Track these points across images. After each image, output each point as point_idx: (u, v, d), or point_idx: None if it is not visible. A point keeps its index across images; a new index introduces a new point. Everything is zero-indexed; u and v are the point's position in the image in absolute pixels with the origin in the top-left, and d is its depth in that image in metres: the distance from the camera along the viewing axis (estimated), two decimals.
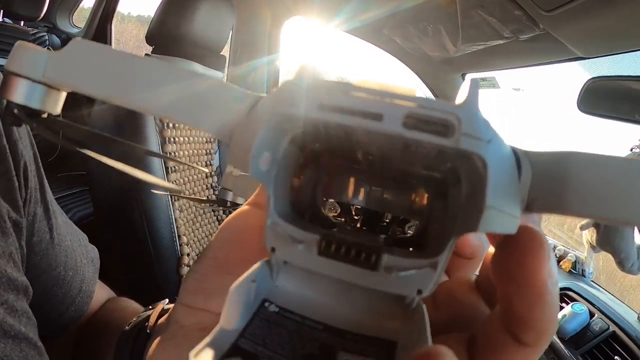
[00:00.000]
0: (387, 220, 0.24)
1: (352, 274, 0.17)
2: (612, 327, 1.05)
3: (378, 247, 0.17)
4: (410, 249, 0.20)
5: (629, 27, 0.95)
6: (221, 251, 0.24)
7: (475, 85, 0.16)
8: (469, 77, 1.68)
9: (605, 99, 1.12)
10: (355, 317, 0.18)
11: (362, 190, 0.22)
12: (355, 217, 0.24)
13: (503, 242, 0.17)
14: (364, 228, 0.24)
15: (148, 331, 0.42)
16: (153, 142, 1.30)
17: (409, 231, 0.23)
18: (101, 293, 0.58)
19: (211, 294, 0.24)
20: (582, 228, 1.35)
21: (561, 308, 1.14)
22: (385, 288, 0.17)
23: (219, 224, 1.58)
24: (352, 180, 0.23)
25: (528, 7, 1.05)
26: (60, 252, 0.47)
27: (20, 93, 0.21)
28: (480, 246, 0.22)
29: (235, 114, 0.19)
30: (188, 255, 1.35)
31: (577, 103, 1.12)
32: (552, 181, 0.16)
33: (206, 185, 1.56)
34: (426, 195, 0.21)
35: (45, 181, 0.46)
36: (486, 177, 0.15)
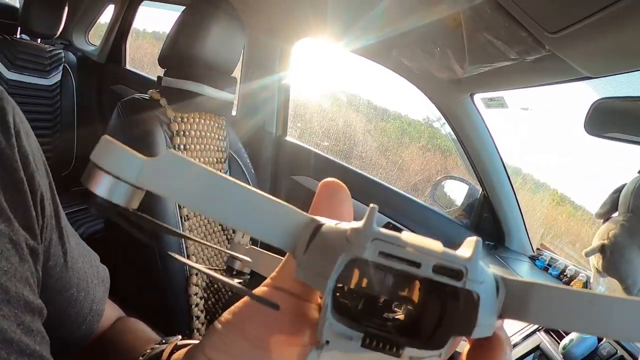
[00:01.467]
0: (381, 302, 0.29)
1: (382, 358, 0.24)
2: (620, 352, 1.04)
3: (401, 342, 0.24)
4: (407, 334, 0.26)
5: (636, 46, 0.95)
6: (251, 326, 0.27)
7: (479, 244, 0.23)
8: (477, 98, 1.68)
9: (613, 120, 1.12)
10: None
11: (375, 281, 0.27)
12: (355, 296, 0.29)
13: (476, 342, 0.25)
14: (366, 307, 0.29)
15: None
16: None
17: (398, 312, 0.29)
18: (111, 311, 0.60)
19: (235, 357, 0.27)
20: (587, 254, 1.33)
21: (568, 333, 1.13)
22: None
23: (229, 243, 1.59)
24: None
25: (533, 29, 1.05)
26: (73, 275, 0.49)
27: (107, 189, 0.23)
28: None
29: (298, 236, 0.25)
30: (197, 275, 1.36)
31: (584, 125, 1.12)
32: (518, 300, 0.24)
33: (220, 226, 1.58)
34: (419, 291, 0.26)
35: (60, 208, 0.48)
36: (478, 306, 0.22)
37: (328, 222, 0.26)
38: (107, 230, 1.48)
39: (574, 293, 0.23)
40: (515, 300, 0.24)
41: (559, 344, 1.12)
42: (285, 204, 0.25)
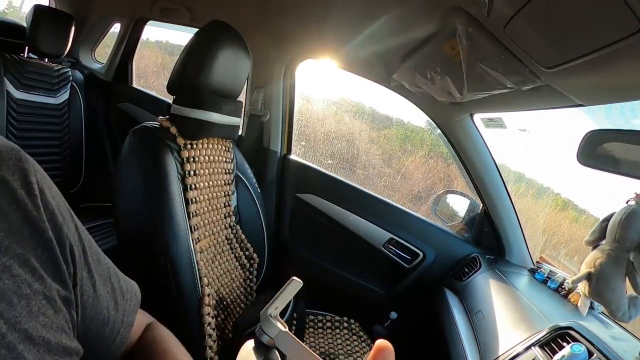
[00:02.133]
0: None
1: None
2: None
3: None
4: None
5: (628, 82, 0.98)
6: None
7: None
8: (477, 118, 1.73)
9: (604, 152, 1.15)
10: None
11: None
12: None
13: None
14: None
15: None
16: (175, 190, 1.36)
17: None
18: (141, 318, 0.69)
19: None
20: (574, 283, 1.39)
21: (562, 348, 1.15)
22: None
23: (237, 261, 1.64)
24: None
25: (529, 63, 1.10)
26: (103, 300, 0.56)
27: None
28: None
29: None
30: (209, 295, 1.40)
31: (577, 155, 1.15)
32: None
33: (224, 225, 1.63)
34: None
35: (87, 242, 0.54)
36: None
37: None
38: (121, 249, 1.50)
39: None
40: None
41: (552, 358, 1.15)
42: None
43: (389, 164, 4.17)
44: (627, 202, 1.28)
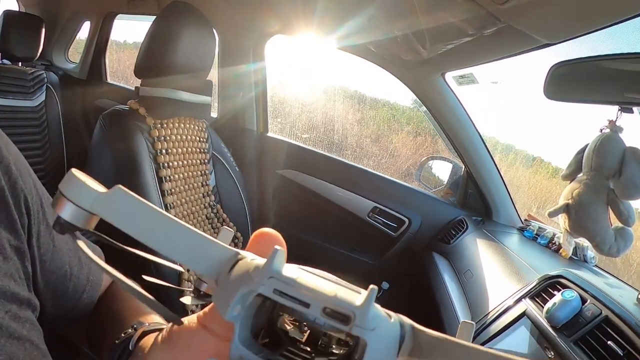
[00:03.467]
0: (329, 336, 0.32)
1: None
2: (605, 312, 1.01)
3: None
4: None
5: (584, 8, 0.96)
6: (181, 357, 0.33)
7: (372, 293, 0.24)
8: (449, 77, 1.71)
9: (572, 84, 1.13)
10: None
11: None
12: (305, 328, 0.33)
13: None
14: (310, 339, 0.32)
15: (130, 348, 0.48)
16: (147, 169, 1.35)
17: (344, 347, 0.31)
18: (109, 279, 0.67)
19: None
20: (550, 215, 1.31)
21: (552, 296, 1.12)
22: None
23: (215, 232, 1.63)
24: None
25: (484, 3, 1.08)
26: (64, 254, 0.54)
27: (68, 214, 0.28)
28: None
29: (221, 267, 0.28)
30: (188, 271, 1.39)
31: (544, 91, 1.13)
32: (426, 354, 0.25)
33: (204, 205, 1.62)
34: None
35: (45, 200, 0.53)
36: (364, 352, 0.23)
37: (249, 257, 0.28)
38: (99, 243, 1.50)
39: (481, 353, 0.24)
40: (422, 353, 0.25)
41: (543, 308, 1.12)
42: (216, 240, 0.29)
43: (377, 144, 4.17)
44: (600, 131, 1.23)
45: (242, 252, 0.28)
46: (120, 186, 0.28)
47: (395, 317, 0.26)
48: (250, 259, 0.28)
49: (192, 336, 0.33)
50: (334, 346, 0.31)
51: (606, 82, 1.11)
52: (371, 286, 0.24)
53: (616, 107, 1.14)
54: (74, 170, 0.28)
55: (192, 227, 0.28)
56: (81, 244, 0.31)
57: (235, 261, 0.28)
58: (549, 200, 3.51)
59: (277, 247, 0.25)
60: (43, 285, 0.51)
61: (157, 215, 0.28)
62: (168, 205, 1.42)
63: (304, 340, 0.32)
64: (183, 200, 1.52)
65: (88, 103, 2.77)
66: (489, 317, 1.23)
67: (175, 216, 1.33)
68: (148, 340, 0.46)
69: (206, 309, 0.34)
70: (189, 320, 0.34)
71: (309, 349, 0.31)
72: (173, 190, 1.46)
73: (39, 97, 2.55)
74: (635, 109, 1.12)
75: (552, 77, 1.12)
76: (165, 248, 0.28)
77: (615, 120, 1.16)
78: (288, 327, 0.32)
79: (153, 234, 0.28)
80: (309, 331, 0.32)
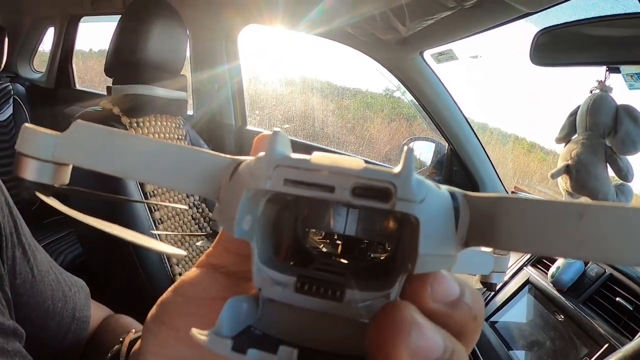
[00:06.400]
0: (366, 243, 0.27)
1: (323, 305, 0.20)
2: (609, 270, 1.04)
3: (342, 283, 0.20)
4: (376, 276, 0.23)
5: None
6: (181, 321, 0.25)
7: (410, 153, 0.18)
8: (427, 55, 1.69)
9: (558, 48, 1.13)
10: (328, 339, 0.21)
11: (338, 219, 0.25)
12: (337, 242, 0.27)
13: (378, 313, 0.18)
14: (345, 251, 0.27)
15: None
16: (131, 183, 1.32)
17: (384, 253, 0.27)
18: (98, 313, 0.59)
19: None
20: (553, 176, 1.33)
21: (553, 261, 1.13)
22: (349, 315, 0.20)
23: (208, 240, 1.59)
24: (329, 210, 0.25)
25: None
26: (45, 288, 0.48)
27: (32, 172, 0.24)
28: (449, 295, 0.19)
29: (219, 178, 0.22)
30: (180, 274, 1.35)
31: (530, 57, 1.13)
32: (487, 221, 0.19)
33: (188, 205, 1.58)
34: (394, 222, 0.24)
35: (21, 223, 0.48)
36: (419, 231, 0.17)
37: (249, 159, 0.22)
38: (86, 253, 1.46)
39: (560, 205, 0.17)
40: (483, 222, 0.19)
41: (547, 274, 1.13)
42: (203, 150, 0.23)
43: (352, 132, 4.17)
44: (591, 92, 1.25)
45: (242, 157, 0.23)
46: (79, 120, 0.24)
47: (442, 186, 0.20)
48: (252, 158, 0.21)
49: (198, 283, 0.26)
50: (371, 255, 0.27)
51: (591, 44, 1.12)
52: (406, 147, 0.19)
53: (604, 68, 1.16)
54: (27, 124, 0.24)
55: (173, 143, 0.23)
56: (54, 201, 0.25)
57: (235, 167, 0.22)
58: (527, 174, 3.55)
59: (275, 129, 0.20)
60: (22, 318, 0.44)
61: (130, 138, 0.23)
62: (152, 207, 1.38)
63: (338, 252, 0.27)
64: (170, 214, 1.47)
65: (59, 112, 2.65)
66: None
67: (160, 219, 1.30)
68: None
69: (210, 248, 0.27)
70: (191, 271, 0.27)
71: (345, 261, 0.26)
72: (156, 191, 1.42)
73: (6, 111, 2.47)
74: (621, 67, 1.13)
75: (537, 43, 1.12)
76: (149, 174, 0.23)
77: (604, 80, 1.18)
78: (318, 245, 0.27)
79: (131, 162, 0.23)
80: (341, 244, 0.27)
